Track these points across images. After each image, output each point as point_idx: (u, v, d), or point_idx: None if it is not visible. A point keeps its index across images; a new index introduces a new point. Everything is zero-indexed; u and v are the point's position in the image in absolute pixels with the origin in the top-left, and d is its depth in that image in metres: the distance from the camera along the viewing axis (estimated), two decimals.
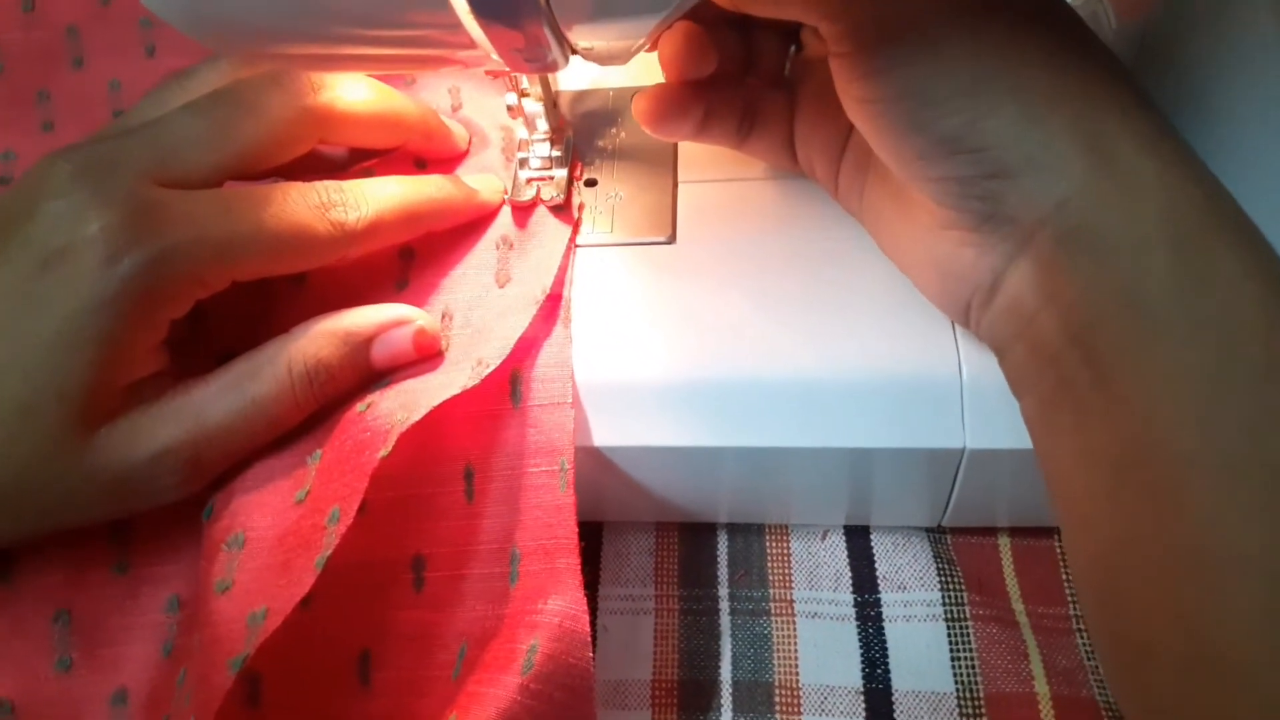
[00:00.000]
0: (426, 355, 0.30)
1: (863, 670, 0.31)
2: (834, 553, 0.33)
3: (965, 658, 0.31)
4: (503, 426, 0.30)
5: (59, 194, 0.26)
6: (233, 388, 0.28)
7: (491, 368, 0.28)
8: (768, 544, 0.34)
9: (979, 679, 0.30)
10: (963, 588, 0.32)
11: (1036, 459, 0.25)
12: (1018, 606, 0.32)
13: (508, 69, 0.26)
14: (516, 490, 0.29)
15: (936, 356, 0.29)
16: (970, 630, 0.31)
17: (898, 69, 0.22)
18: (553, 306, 0.31)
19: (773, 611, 0.32)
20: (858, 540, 0.33)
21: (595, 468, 0.30)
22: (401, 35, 0.23)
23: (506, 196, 0.33)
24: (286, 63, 0.28)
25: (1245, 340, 0.21)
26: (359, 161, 0.33)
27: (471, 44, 0.23)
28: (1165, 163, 0.22)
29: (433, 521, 0.29)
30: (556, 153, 0.33)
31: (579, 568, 0.27)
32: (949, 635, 0.31)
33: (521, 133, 0.34)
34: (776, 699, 0.31)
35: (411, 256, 0.32)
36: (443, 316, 0.31)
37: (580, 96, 0.36)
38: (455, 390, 0.28)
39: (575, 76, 0.37)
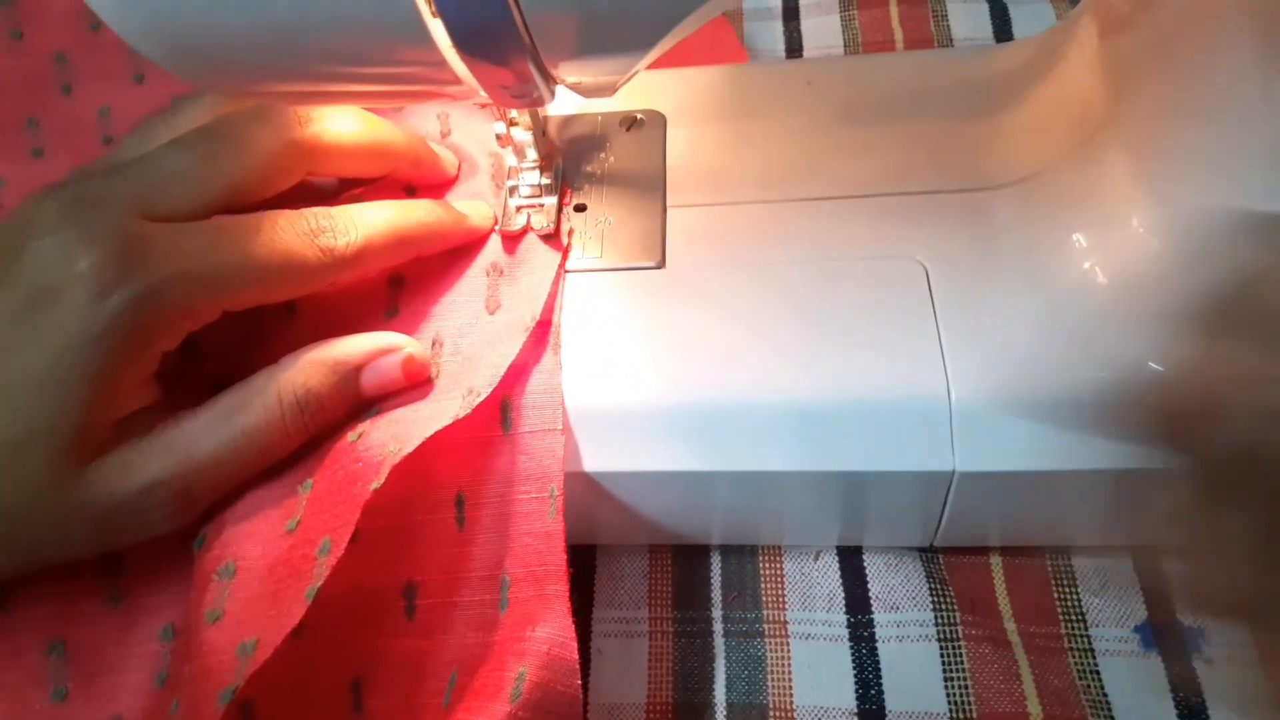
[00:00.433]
0: (416, 382, 0.30)
1: (856, 691, 0.31)
2: (827, 573, 0.33)
3: (958, 678, 0.31)
4: (493, 453, 0.30)
5: (47, 231, 0.26)
6: (223, 419, 0.28)
7: (483, 397, 0.28)
8: (761, 565, 0.34)
9: (972, 699, 0.30)
10: (955, 608, 0.32)
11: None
12: (1009, 626, 0.32)
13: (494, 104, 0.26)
14: (507, 517, 0.29)
15: (925, 380, 0.29)
16: (963, 650, 0.31)
17: None
18: (542, 332, 0.31)
19: (766, 633, 0.32)
20: (850, 561, 0.33)
21: (587, 492, 0.30)
22: (387, 73, 0.23)
23: (497, 227, 0.33)
24: (274, 99, 0.28)
25: None
26: (347, 190, 0.33)
27: (458, 80, 0.23)
28: None
29: (424, 548, 0.30)
30: (546, 180, 0.33)
31: (568, 595, 0.27)
32: (942, 655, 0.31)
33: (511, 160, 0.34)
34: None
35: (401, 284, 0.32)
36: (433, 344, 0.31)
37: (568, 121, 0.36)
38: (447, 420, 0.28)
39: (563, 102, 0.37)
